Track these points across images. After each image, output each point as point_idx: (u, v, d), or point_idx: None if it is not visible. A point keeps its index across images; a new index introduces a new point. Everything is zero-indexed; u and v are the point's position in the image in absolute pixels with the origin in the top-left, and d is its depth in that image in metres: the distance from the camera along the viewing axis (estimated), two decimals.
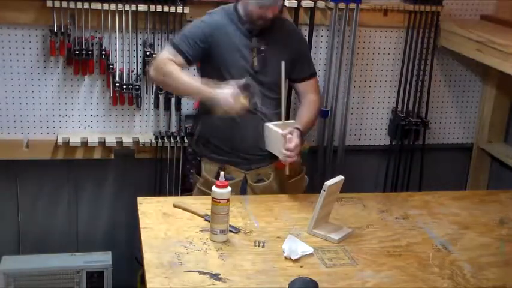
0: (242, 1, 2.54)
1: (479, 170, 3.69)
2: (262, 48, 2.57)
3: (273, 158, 2.64)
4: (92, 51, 3.03)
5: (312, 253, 2.12)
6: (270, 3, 2.48)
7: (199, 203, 2.43)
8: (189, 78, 2.53)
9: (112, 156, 3.21)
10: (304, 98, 2.71)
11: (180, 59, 2.55)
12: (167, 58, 2.54)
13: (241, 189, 2.63)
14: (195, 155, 2.79)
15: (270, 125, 2.57)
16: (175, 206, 2.41)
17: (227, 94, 2.39)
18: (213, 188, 2.15)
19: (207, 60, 2.61)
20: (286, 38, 2.66)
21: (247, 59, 2.58)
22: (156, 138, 3.20)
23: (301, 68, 2.69)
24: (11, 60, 3.04)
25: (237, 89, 2.40)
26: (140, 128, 3.25)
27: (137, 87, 3.12)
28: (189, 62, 2.60)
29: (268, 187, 2.66)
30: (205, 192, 2.62)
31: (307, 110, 2.68)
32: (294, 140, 2.46)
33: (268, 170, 2.67)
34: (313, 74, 2.75)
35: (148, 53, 3.07)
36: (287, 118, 2.64)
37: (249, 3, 2.50)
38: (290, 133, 2.47)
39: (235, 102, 2.38)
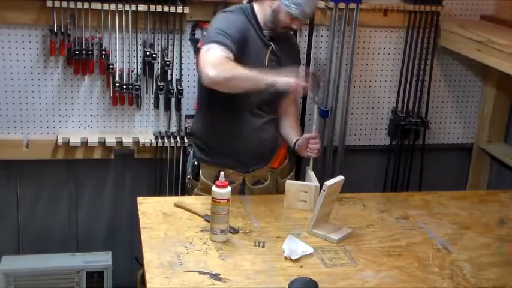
0: (271, 6, 2.49)
1: (479, 170, 3.69)
2: (277, 55, 2.57)
3: (268, 159, 2.65)
4: (92, 51, 3.03)
5: (312, 253, 2.12)
6: (304, 16, 2.51)
7: (200, 203, 2.43)
8: (249, 71, 2.34)
9: (112, 156, 3.21)
10: (288, 109, 2.73)
11: (231, 56, 2.39)
12: (224, 56, 2.35)
13: (240, 191, 2.63)
14: (193, 159, 2.74)
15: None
16: (176, 205, 2.41)
17: (293, 82, 2.32)
18: (213, 188, 2.15)
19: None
20: (292, 48, 2.71)
21: (262, 64, 2.54)
22: (156, 138, 3.20)
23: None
24: (11, 60, 3.04)
25: (302, 79, 2.35)
26: (140, 128, 3.25)
27: (137, 87, 3.12)
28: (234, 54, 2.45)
29: (265, 189, 2.67)
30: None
31: (296, 127, 2.74)
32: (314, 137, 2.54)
33: (264, 171, 2.68)
34: None
35: (148, 53, 3.07)
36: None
37: (280, 12, 2.48)
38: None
39: (300, 89, 2.34)
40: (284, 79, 2.32)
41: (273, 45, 2.57)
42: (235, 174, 2.61)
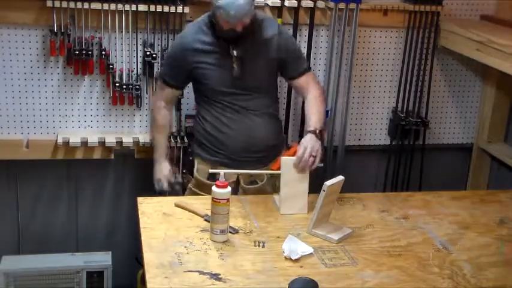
0: (214, 12, 2.52)
1: (479, 170, 3.69)
2: (240, 55, 2.56)
3: (267, 160, 2.65)
4: (92, 51, 3.03)
5: (312, 253, 2.12)
6: (238, 19, 2.47)
7: (200, 203, 2.43)
8: (159, 137, 2.79)
9: (112, 156, 3.21)
10: (308, 93, 2.69)
11: (168, 90, 2.75)
12: (157, 98, 2.80)
13: (234, 190, 2.63)
14: (189, 155, 2.84)
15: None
16: (176, 205, 2.41)
17: (158, 175, 2.75)
18: (213, 188, 2.15)
19: (192, 78, 2.69)
20: (267, 41, 2.63)
21: (226, 67, 2.58)
22: None
23: (294, 65, 2.70)
24: (11, 60, 3.04)
25: (164, 182, 2.74)
26: (140, 128, 3.25)
27: (137, 87, 3.12)
28: (178, 87, 2.77)
29: (260, 190, 2.67)
30: (197, 193, 2.63)
31: (313, 107, 2.63)
32: (301, 148, 2.45)
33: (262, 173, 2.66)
34: (308, 68, 2.77)
35: (148, 53, 3.07)
36: None
37: (216, 17, 2.50)
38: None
39: (161, 180, 2.74)
40: (157, 171, 2.76)
41: (233, 46, 2.55)
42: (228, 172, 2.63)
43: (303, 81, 2.71)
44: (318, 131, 2.52)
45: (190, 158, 2.81)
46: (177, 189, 2.82)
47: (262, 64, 2.64)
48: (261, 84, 2.66)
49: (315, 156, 2.44)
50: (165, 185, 2.74)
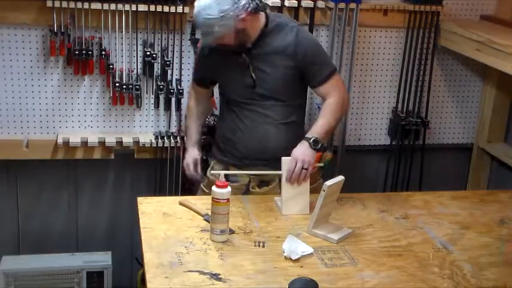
0: None
1: (479, 170, 3.69)
2: (253, 63, 2.52)
3: (280, 167, 2.61)
4: (92, 51, 3.03)
5: (312, 253, 2.12)
6: (201, 30, 2.46)
7: (202, 203, 2.43)
8: (190, 124, 2.80)
9: (112, 156, 3.21)
10: (326, 100, 2.59)
11: (198, 89, 2.77)
12: (191, 90, 2.82)
13: (245, 191, 2.63)
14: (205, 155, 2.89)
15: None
16: (180, 203, 2.41)
17: (187, 159, 2.73)
18: (213, 188, 2.15)
19: (215, 81, 2.73)
20: (283, 48, 2.52)
21: (243, 75, 2.55)
22: (156, 138, 3.20)
23: (313, 74, 2.57)
24: (11, 60, 3.04)
25: (191, 164, 2.72)
26: (140, 128, 3.25)
27: (137, 87, 3.12)
28: (207, 86, 2.77)
29: (270, 192, 2.63)
30: (208, 193, 2.62)
31: (321, 114, 2.57)
32: (292, 161, 2.42)
33: (273, 175, 2.59)
34: (330, 75, 2.58)
35: (148, 53, 3.07)
36: None
37: None
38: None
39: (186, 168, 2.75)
40: (186, 156, 2.75)
41: (245, 55, 2.51)
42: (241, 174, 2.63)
43: (323, 90, 2.58)
44: (314, 139, 2.45)
45: (204, 158, 2.83)
46: (203, 178, 2.77)
47: (278, 72, 2.54)
48: (278, 93, 2.57)
49: (306, 169, 2.40)
50: (191, 168, 2.71)
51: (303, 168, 2.40)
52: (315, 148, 2.44)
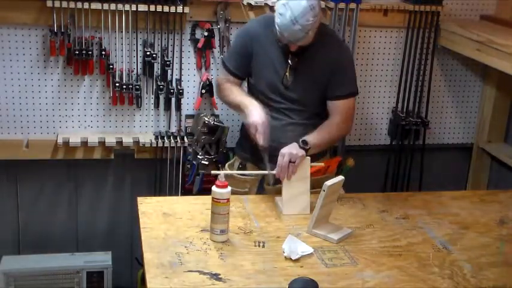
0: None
1: (479, 170, 3.69)
2: (295, 66, 2.56)
3: None
4: (92, 51, 3.03)
5: (312, 253, 2.12)
6: (291, 42, 2.47)
7: (201, 203, 2.43)
8: (237, 97, 2.60)
9: (112, 156, 3.21)
10: (330, 118, 2.63)
11: (231, 78, 2.70)
12: (223, 78, 2.72)
13: (259, 187, 2.67)
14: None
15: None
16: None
17: (253, 123, 2.45)
18: (213, 188, 2.15)
19: (250, 69, 2.67)
20: (324, 59, 2.58)
21: (279, 74, 2.58)
22: (156, 138, 3.20)
23: (336, 86, 2.61)
24: (11, 60, 3.04)
25: (260, 124, 2.44)
26: (140, 128, 3.25)
27: (137, 87, 3.12)
28: (240, 78, 2.71)
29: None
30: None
31: (320, 128, 2.57)
32: (280, 156, 2.41)
33: None
34: (349, 95, 2.64)
35: (148, 53, 3.07)
36: None
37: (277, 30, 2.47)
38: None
39: (253, 130, 2.46)
40: (250, 118, 2.45)
41: (291, 55, 2.53)
42: (257, 169, 2.65)
43: (335, 106, 2.63)
44: (303, 140, 2.45)
45: (224, 152, 2.89)
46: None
47: (313, 80, 2.59)
48: (306, 99, 2.61)
49: (293, 162, 2.39)
50: (260, 130, 2.43)
51: (290, 161, 2.40)
52: (303, 148, 2.45)
